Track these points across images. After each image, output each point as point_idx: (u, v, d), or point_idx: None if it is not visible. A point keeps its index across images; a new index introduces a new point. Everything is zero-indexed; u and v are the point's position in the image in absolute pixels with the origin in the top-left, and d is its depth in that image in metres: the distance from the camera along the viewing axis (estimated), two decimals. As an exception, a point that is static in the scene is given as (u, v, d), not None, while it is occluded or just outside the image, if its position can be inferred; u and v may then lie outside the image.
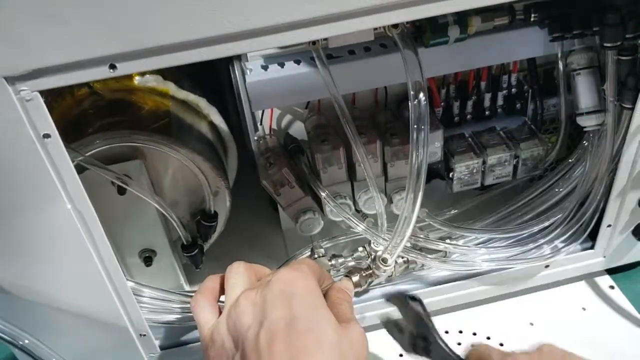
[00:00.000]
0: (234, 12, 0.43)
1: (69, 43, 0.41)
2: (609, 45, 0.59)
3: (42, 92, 0.44)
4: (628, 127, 0.62)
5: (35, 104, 0.44)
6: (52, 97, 0.62)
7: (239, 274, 0.50)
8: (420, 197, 0.60)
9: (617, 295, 0.78)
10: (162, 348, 0.69)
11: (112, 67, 0.43)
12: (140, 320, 0.63)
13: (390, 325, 0.53)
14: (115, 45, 0.42)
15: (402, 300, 0.53)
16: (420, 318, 0.52)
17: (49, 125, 0.46)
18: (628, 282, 0.79)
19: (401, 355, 0.72)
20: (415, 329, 0.52)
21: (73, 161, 0.50)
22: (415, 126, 0.57)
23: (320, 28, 0.46)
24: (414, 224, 0.62)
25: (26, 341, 0.55)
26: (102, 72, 0.43)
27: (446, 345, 0.51)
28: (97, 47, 0.42)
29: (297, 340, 0.42)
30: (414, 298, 0.53)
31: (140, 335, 0.64)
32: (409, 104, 0.57)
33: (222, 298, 0.50)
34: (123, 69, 0.43)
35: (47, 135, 0.46)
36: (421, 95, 0.57)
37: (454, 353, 0.51)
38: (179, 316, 0.68)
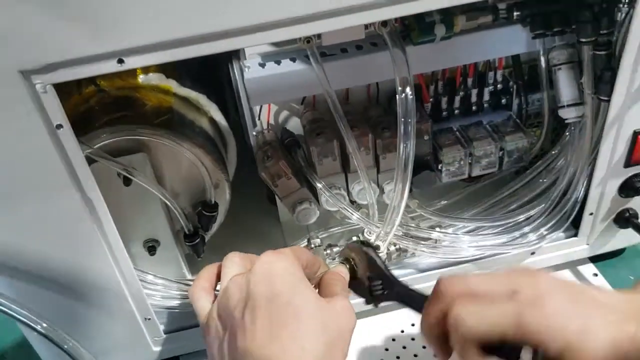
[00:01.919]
0: (233, 10, 0.46)
1: (79, 39, 0.45)
2: (584, 40, 0.63)
3: (55, 85, 0.47)
4: (605, 118, 0.66)
5: (48, 96, 0.47)
6: (60, 95, 0.65)
7: (234, 263, 0.53)
8: (407, 186, 0.64)
9: (601, 282, 0.81)
10: (166, 332, 0.72)
11: (120, 61, 0.47)
12: (144, 304, 0.66)
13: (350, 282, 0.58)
14: (123, 41, 0.46)
15: (357, 248, 0.58)
16: (374, 262, 0.57)
17: (62, 116, 0.49)
18: (611, 269, 0.83)
19: (387, 349, 0.76)
20: (370, 273, 0.57)
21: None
22: (403, 119, 0.61)
23: (313, 24, 0.50)
24: (403, 212, 0.65)
25: (44, 325, 0.58)
26: (110, 67, 0.47)
27: (398, 280, 0.57)
28: (106, 43, 0.46)
29: (277, 314, 0.44)
30: (367, 244, 0.59)
31: (145, 319, 0.67)
32: (397, 98, 0.61)
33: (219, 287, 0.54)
34: (130, 63, 0.47)
35: (59, 126, 0.49)
36: (408, 90, 0.60)
37: (406, 286, 0.56)
38: (181, 302, 0.71)
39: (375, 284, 0.57)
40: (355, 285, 0.58)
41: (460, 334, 0.45)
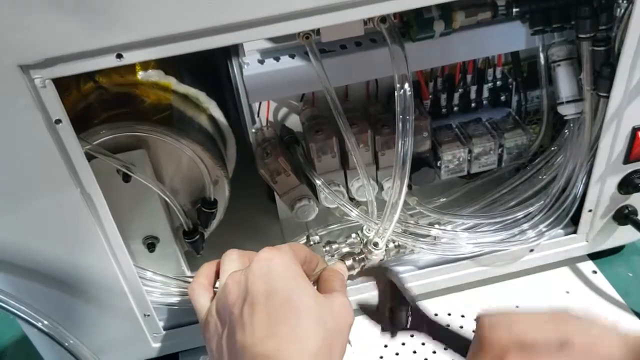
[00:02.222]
0: (233, 5, 0.47)
1: (78, 34, 0.45)
2: (583, 36, 0.63)
3: (54, 80, 0.47)
4: (605, 114, 0.66)
5: (47, 91, 0.47)
6: (59, 92, 0.66)
7: (232, 260, 0.53)
8: (405, 183, 0.64)
9: (600, 279, 0.81)
10: (165, 328, 0.72)
11: (119, 56, 0.47)
12: (144, 300, 0.66)
13: (368, 308, 0.56)
14: (121, 35, 0.46)
15: (381, 271, 0.56)
16: (397, 289, 0.55)
17: (61, 111, 0.49)
18: (610, 266, 0.83)
19: (386, 346, 0.76)
20: (392, 300, 0.55)
21: (81, 149, 0.53)
22: (401, 116, 0.61)
23: (312, 19, 0.50)
24: (401, 208, 0.65)
25: (45, 322, 0.58)
26: (109, 61, 0.47)
27: (424, 311, 0.54)
28: (105, 38, 0.46)
29: (276, 310, 0.45)
30: (391, 272, 0.56)
31: (145, 315, 0.67)
32: (395, 95, 0.61)
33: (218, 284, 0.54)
34: (129, 57, 0.47)
35: (58, 121, 0.49)
36: (406, 86, 0.60)
37: (431, 319, 0.54)
38: (180, 299, 0.71)
39: (398, 313, 0.55)
40: (371, 312, 0.56)
41: None
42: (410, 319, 0.55)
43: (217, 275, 0.55)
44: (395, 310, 0.55)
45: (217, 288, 0.53)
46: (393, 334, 0.55)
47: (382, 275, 0.56)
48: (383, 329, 0.56)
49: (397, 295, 0.55)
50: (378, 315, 0.56)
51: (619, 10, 0.60)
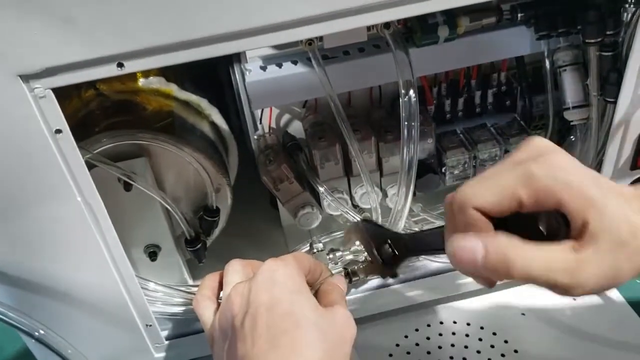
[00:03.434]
0: (235, 13, 0.46)
1: (79, 43, 0.44)
2: (590, 41, 0.62)
3: (54, 90, 0.47)
4: (612, 120, 0.65)
5: (48, 100, 0.47)
6: (59, 99, 0.65)
7: (235, 271, 0.53)
8: (411, 190, 0.63)
9: (607, 286, 0.80)
10: (167, 338, 0.71)
11: (120, 65, 0.46)
12: (146, 310, 0.65)
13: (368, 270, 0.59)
14: (122, 44, 0.45)
15: (354, 227, 0.59)
16: (373, 230, 0.57)
17: (61, 121, 0.48)
18: (617, 272, 0.82)
19: (391, 355, 0.75)
20: (375, 243, 0.56)
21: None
22: (406, 123, 0.60)
23: (316, 26, 0.49)
24: (406, 216, 0.64)
25: (41, 332, 0.57)
26: (110, 70, 0.46)
27: (404, 234, 0.54)
28: (106, 47, 0.45)
29: (277, 322, 0.44)
30: (365, 220, 0.59)
31: (147, 325, 0.67)
32: (400, 101, 0.60)
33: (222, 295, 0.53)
34: (130, 67, 0.46)
35: (58, 131, 0.49)
36: (411, 92, 0.60)
37: (413, 234, 0.54)
38: (183, 308, 0.70)
39: (383, 250, 0.55)
40: (370, 268, 0.58)
41: (459, 201, 0.38)
42: (393, 249, 0.55)
43: (221, 286, 0.55)
44: (380, 248, 0.56)
45: (222, 299, 0.53)
46: (393, 272, 0.57)
47: (357, 232, 0.59)
48: (383, 275, 0.59)
49: (373, 233, 0.57)
50: (372, 266, 0.58)
51: (626, 15, 0.59)
